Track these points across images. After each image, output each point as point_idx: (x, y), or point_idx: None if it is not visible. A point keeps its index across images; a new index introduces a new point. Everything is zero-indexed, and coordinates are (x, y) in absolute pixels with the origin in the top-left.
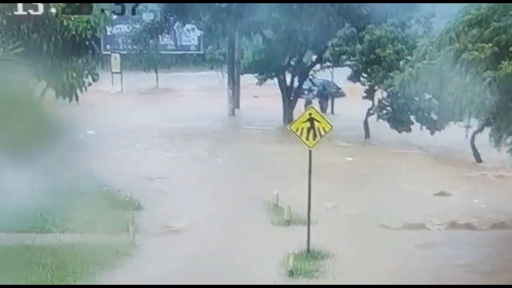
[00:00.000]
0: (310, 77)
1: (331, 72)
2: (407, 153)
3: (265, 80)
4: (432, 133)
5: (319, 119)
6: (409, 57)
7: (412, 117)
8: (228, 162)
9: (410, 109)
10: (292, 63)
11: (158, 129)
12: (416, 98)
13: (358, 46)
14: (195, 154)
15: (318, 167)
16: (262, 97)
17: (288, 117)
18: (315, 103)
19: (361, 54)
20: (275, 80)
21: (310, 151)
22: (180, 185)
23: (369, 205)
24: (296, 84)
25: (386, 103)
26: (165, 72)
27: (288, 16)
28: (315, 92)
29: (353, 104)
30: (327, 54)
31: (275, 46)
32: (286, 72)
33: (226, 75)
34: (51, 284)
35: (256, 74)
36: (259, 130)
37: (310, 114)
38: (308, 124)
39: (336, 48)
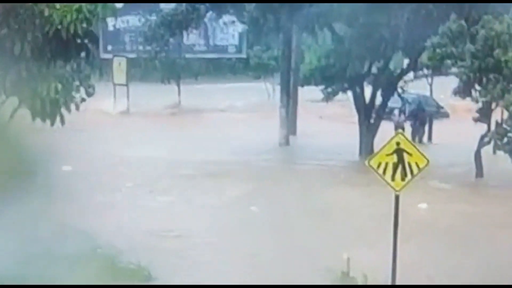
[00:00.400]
0: (400, 90)
1: (430, 84)
2: None
3: (334, 95)
4: None
5: (410, 151)
6: None
7: None
8: (275, 214)
9: None
10: (374, 70)
11: (176, 164)
12: None
13: (469, 46)
14: (227, 202)
15: (407, 219)
16: (329, 119)
17: (366, 148)
18: (407, 127)
19: (473, 58)
20: (349, 94)
21: (397, 197)
22: (206, 246)
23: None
24: (379, 100)
25: (508, 128)
26: (191, 84)
27: (369, 5)
28: (406, 113)
29: (459, 128)
30: (424, 58)
31: (350, 47)
32: (365, 84)
33: (278, 87)
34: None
35: (322, 87)
36: (323, 167)
37: (397, 143)
38: (395, 158)
39: (438, 50)
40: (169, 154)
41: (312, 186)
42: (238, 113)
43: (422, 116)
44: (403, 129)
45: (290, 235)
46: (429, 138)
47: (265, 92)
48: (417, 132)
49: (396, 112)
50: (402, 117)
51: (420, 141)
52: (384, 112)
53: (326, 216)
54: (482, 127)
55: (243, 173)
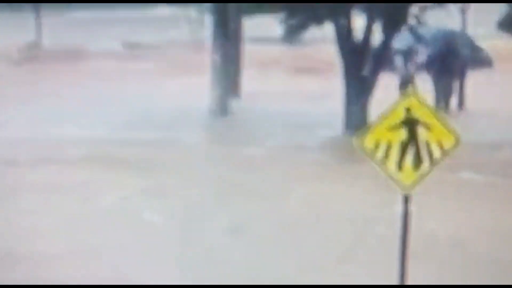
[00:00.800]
0: (413, 22)
1: (463, 12)
2: None
3: (301, 29)
4: None
5: (429, 122)
6: None
7: None
8: (181, 228)
9: None
10: None
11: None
12: None
13: None
14: (108, 207)
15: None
16: (295, 72)
17: (356, 118)
18: (424, 85)
19: None
20: (326, 29)
21: (406, 198)
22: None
23: None
24: (377, 38)
25: None
26: (61, 12)
27: None
28: (422, 58)
29: (509, 85)
30: None
31: None
32: (353, 11)
33: (209, 18)
34: None
35: (281, 16)
36: (283, 150)
37: (408, 109)
38: (404, 135)
39: None
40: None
41: (259, 184)
42: (140, 60)
43: (450, 64)
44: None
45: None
46: (460, 102)
47: (187, 25)
48: (441, 92)
49: (399, 57)
50: (411, 65)
51: (447, 106)
52: (385, 58)
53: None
54: None
55: (142, 161)
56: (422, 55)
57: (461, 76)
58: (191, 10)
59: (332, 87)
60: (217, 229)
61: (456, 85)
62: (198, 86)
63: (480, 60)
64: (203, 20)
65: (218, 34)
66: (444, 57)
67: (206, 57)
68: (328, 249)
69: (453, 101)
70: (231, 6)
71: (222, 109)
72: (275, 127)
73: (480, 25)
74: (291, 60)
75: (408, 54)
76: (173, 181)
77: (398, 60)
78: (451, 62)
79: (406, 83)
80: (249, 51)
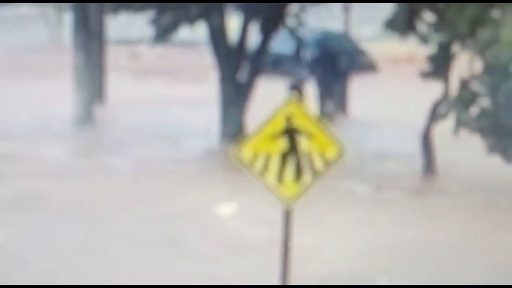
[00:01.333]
0: (293, 22)
1: (345, 12)
2: None
3: (172, 30)
4: None
5: (311, 132)
6: None
7: None
8: None
9: None
10: None
11: None
12: None
13: None
14: None
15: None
16: (167, 76)
17: (233, 127)
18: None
19: None
20: (200, 30)
21: (287, 213)
22: None
23: None
24: (255, 42)
25: (481, 90)
26: None
27: None
28: (305, 63)
29: (395, 91)
30: None
31: None
32: (228, 10)
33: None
34: None
35: (151, 16)
36: (153, 161)
37: (288, 118)
38: (284, 144)
39: None
40: None
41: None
42: None
43: (334, 69)
44: (300, 93)
45: None
46: (342, 108)
47: (45, 22)
48: (324, 98)
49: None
50: (304, 70)
51: (331, 113)
52: (262, 61)
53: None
54: (435, 89)
55: None
56: (305, 58)
57: (343, 81)
58: (49, 8)
59: (209, 93)
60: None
61: (338, 90)
62: (59, 92)
63: (363, 64)
64: (62, 19)
65: (79, 35)
66: (325, 61)
67: (68, 60)
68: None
69: (335, 107)
70: (93, 3)
71: (86, 116)
72: (145, 136)
73: (366, 24)
74: (163, 63)
75: (297, 57)
76: (26, 195)
77: (287, 64)
78: (332, 66)
79: (296, 88)
80: (116, 53)
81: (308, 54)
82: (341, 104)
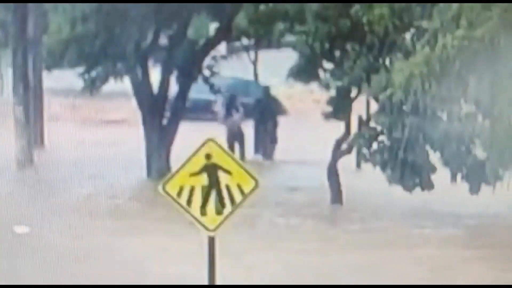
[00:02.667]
0: (207, 73)
1: (253, 62)
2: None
3: (102, 82)
4: (474, 191)
5: (228, 168)
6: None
7: (434, 157)
8: None
9: (430, 140)
10: (164, 41)
11: None
12: (443, 115)
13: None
14: None
15: None
16: (99, 122)
17: (159, 165)
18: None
19: (318, 19)
20: (125, 82)
21: (211, 239)
22: None
23: None
24: (175, 89)
25: (378, 127)
26: None
27: None
28: (219, 106)
29: (303, 131)
30: (241, 21)
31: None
32: (152, 63)
33: (10, 72)
34: None
35: (81, 70)
36: (89, 198)
37: (207, 156)
38: (205, 180)
39: (262, 7)
40: None
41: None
42: None
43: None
44: (241, 136)
45: None
46: (257, 148)
47: None
48: (234, 140)
49: (219, 105)
50: (238, 114)
51: (242, 155)
52: (183, 107)
53: None
54: (338, 128)
55: None
56: (218, 105)
57: (257, 124)
58: None
59: (138, 136)
60: None
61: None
62: (4, 138)
63: (273, 107)
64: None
65: (18, 87)
66: (235, 106)
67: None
68: None
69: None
70: (31, 59)
71: (27, 159)
72: (76, 173)
73: (272, 73)
74: (93, 111)
75: (230, 102)
76: None
77: (220, 109)
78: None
79: (233, 134)
80: (54, 103)
81: (221, 99)
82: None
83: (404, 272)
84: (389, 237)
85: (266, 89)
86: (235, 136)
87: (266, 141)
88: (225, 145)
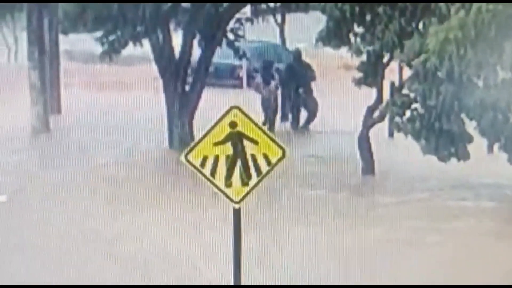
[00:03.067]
0: (231, 36)
1: (279, 25)
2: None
3: (121, 47)
4: None
5: (254, 137)
6: None
7: (471, 125)
8: None
9: (466, 108)
10: (186, 4)
11: None
12: (479, 82)
13: None
14: None
15: None
16: (118, 88)
17: (181, 134)
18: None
19: None
20: (146, 46)
21: (236, 211)
22: None
23: None
24: (197, 53)
25: (412, 95)
26: None
27: None
28: (243, 71)
29: (332, 97)
30: None
31: None
32: (173, 25)
33: (24, 36)
34: None
35: (98, 34)
36: (108, 168)
37: (232, 124)
38: (230, 149)
39: None
40: None
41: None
42: None
43: (268, 78)
44: (275, 107)
45: None
46: (283, 114)
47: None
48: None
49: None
50: (274, 82)
51: (271, 121)
52: (206, 73)
53: None
54: (369, 95)
55: None
56: (241, 68)
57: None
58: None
59: (159, 103)
60: None
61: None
62: (19, 104)
63: (300, 71)
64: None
65: (33, 51)
66: (265, 71)
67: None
68: None
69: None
70: (46, 23)
71: (42, 126)
72: (98, 144)
73: (300, 37)
74: (112, 77)
75: (266, 68)
76: None
77: (255, 78)
78: (268, 76)
79: (269, 103)
80: (71, 68)
81: (246, 63)
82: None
83: (440, 246)
84: (424, 209)
85: (297, 53)
86: (270, 105)
87: (296, 108)
88: (262, 114)
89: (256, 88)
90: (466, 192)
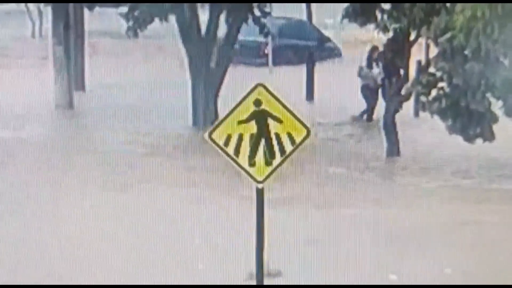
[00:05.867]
0: (258, 13)
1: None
2: None
3: (147, 22)
4: None
5: (279, 115)
6: None
7: (496, 105)
8: None
9: (492, 87)
10: None
11: None
12: (505, 61)
13: None
14: None
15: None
16: (143, 65)
17: (205, 113)
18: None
19: None
20: (172, 23)
21: (259, 191)
22: None
23: None
24: (223, 30)
25: (438, 74)
26: None
27: None
28: (269, 48)
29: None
30: None
31: None
32: (197, 3)
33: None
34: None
35: (122, 9)
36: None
37: (257, 102)
38: (254, 128)
39: None
40: None
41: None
42: None
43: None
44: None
45: None
46: (309, 93)
47: (27, 19)
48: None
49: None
50: (377, 69)
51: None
52: (232, 50)
53: None
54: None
55: None
56: (266, 45)
57: (310, 64)
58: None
59: (184, 80)
60: None
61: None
62: (42, 80)
63: (327, 50)
64: (41, 12)
65: (58, 26)
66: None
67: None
68: None
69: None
70: None
71: (66, 103)
72: (121, 122)
73: (327, 14)
74: (137, 53)
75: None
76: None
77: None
78: (300, 52)
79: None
80: (95, 43)
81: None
82: (307, 85)
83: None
84: (451, 191)
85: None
86: (372, 93)
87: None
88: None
89: (360, 73)
90: (492, 171)
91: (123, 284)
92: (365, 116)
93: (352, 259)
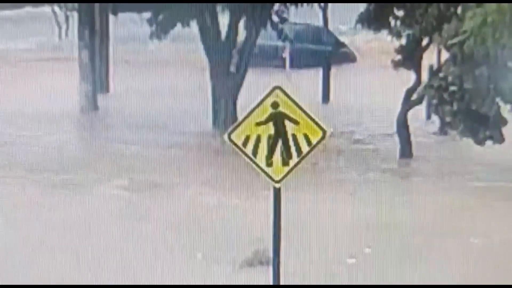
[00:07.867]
0: (276, 18)
1: (323, 9)
2: None
3: (169, 28)
4: None
5: (296, 117)
6: None
7: (505, 109)
8: None
9: (501, 91)
10: None
11: None
12: None
13: None
14: None
15: None
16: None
17: (225, 114)
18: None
19: None
20: (193, 27)
21: (276, 190)
22: None
23: None
24: (243, 35)
25: (449, 78)
26: None
27: None
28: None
29: (372, 79)
30: None
31: None
32: (220, 7)
33: (75, 16)
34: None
35: (149, 14)
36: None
37: (274, 105)
38: (271, 129)
39: None
40: None
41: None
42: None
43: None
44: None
45: None
46: (325, 96)
47: (52, 24)
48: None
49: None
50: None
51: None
52: (251, 54)
53: None
54: (408, 77)
55: None
56: (284, 49)
57: (326, 68)
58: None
59: (204, 83)
60: None
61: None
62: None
63: (342, 55)
64: (67, 18)
65: (84, 32)
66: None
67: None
68: None
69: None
70: (97, 4)
71: (90, 106)
72: (142, 124)
73: (341, 20)
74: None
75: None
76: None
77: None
78: (316, 57)
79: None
80: (119, 49)
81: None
82: (323, 89)
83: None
84: (464, 194)
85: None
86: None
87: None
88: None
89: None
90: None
91: (123, 284)
92: None
93: None
